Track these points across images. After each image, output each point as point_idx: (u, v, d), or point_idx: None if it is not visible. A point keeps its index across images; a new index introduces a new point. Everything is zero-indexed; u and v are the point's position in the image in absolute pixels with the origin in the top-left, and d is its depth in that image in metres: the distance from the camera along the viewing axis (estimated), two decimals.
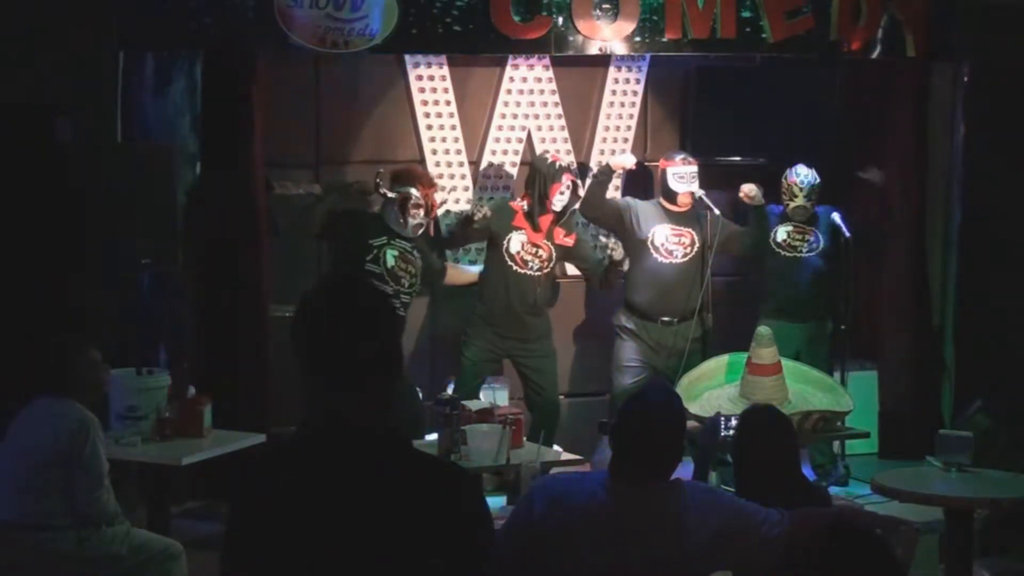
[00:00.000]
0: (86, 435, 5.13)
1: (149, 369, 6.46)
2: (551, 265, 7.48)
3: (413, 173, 7.29)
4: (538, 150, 7.95)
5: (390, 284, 7.03)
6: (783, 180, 7.80)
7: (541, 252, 7.42)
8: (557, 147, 8.00)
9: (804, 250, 7.82)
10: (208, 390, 6.41)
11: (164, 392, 6.27)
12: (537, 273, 7.41)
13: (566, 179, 7.37)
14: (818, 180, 7.76)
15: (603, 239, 7.70)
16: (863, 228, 8.13)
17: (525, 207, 7.42)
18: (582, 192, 7.56)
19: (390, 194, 7.15)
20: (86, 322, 6.55)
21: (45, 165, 6.84)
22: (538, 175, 7.41)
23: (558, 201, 7.36)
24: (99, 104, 6.91)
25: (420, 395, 7.34)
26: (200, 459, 6.07)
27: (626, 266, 7.56)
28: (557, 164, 7.40)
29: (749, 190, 7.65)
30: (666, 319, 7.55)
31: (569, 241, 7.52)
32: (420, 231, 7.23)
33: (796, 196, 7.77)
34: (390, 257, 7.11)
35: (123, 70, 6.97)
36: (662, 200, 7.64)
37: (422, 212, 7.15)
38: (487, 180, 7.98)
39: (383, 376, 2.47)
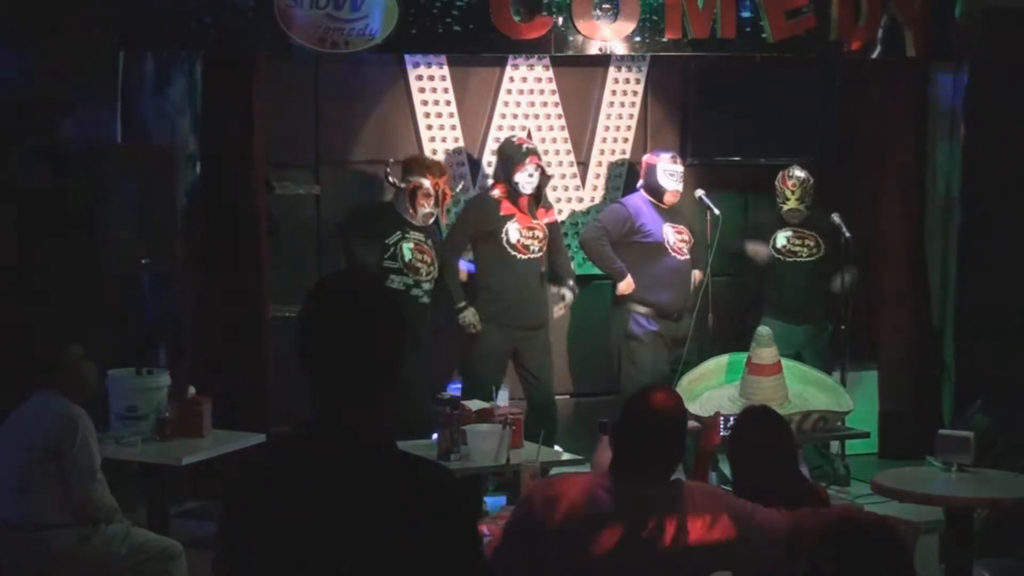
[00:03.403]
0: (75, 428, 5.14)
1: (149, 369, 6.46)
2: (547, 241, 7.49)
3: (423, 162, 7.31)
4: (539, 150, 7.95)
5: (409, 276, 7.09)
6: (776, 183, 7.81)
7: (537, 232, 7.44)
8: (557, 147, 8.01)
9: (804, 255, 7.84)
10: (208, 390, 6.41)
11: (164, 392, 6.27)
12: (538, 254, 7.45)
13: (531, 162, 7.33)
14: (812, 182, 7.77)
15: (562, 289, 7.65)
16: (863, 228, 8.12)
17: (504, 193, 7.39)
18: (550, 172, 7.62)
19: (400, 184, 7.17)
20: (85, 322, 6.55)
21: (45, 165, 6.84)
22: (505, 158, 7.39)
23: (527, 184, 7.32)
24: (99, 104, 6.91)
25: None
26: (200, 459, 6.08)
27: (565, 306, 7.62)
28: (524, 147, 7.37)
29: (754, 252, 7.87)
30: (679, 315, 7.64)
31: (553, 215, 7.61)
32: (431, 220, 7.25)
33: (789, 199, 7.79)
34: (406, 251, 7.15)
35: (123, 70, 6.96)
36: (648, 196, 7.64)
37: (432, 202, 7.17)
38: (487, 179, 7.97)
39: (376, 378, 2.45)
